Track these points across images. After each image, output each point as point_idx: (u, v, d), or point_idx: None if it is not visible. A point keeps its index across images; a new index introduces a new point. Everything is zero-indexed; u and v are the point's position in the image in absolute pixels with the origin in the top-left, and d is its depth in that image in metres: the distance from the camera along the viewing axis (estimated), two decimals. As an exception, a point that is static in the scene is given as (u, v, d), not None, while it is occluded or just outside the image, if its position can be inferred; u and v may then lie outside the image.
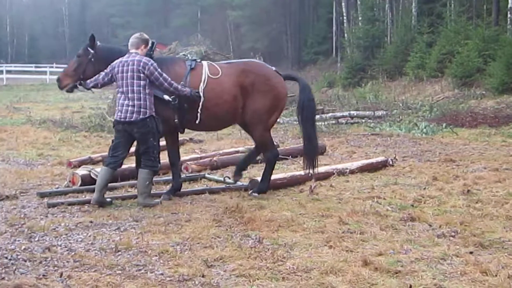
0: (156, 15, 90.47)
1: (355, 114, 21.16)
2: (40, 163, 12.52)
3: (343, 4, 51.14)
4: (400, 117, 20.44)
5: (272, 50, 64.40)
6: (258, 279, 5.62)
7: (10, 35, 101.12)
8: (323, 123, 19.00)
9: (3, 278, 5.59)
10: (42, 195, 9.17)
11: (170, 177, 10.56)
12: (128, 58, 8.70)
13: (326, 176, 10.47)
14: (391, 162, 11.69)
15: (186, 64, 9.28)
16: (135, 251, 6.48)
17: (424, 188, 9.68)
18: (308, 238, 6.96)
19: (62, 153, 13.76)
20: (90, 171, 10.04)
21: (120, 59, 8.78)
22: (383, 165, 11.53)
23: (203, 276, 5.68)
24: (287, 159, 12.46)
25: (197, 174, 10.95)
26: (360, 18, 44.77)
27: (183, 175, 10.78)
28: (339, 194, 9.35)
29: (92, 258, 6.22)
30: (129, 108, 8.55)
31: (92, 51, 9.20)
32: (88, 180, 9.86)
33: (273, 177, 9.96)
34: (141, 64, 8.57)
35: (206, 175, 10.86)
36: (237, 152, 12.90)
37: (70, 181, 9.99)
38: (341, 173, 10.71)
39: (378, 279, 5.60)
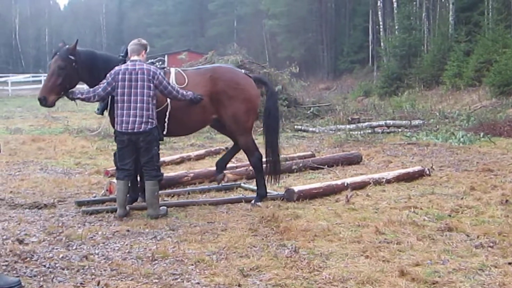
0: (192, 24, 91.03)
1: (391, 123, 21.02)
2: (78, 172, 12.64)
3: (379, 13, 51.04)
4: (437, 126, 20.27)
5: (308, 59, 64.51)
6: (294, 289, 5.62)
7: (48, 45, 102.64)
8: (359, 132, 18.93)
9: (41, 286, 5.66)
10: (80, 204, 9.25)
11: (206, 186, 10.64)
12: (135, 66, 8.43)
13: (362, 185, 10.42)
14: (428, 172, 11.59)
15: None
16: (172, 260, 6.50)
17: (462, 198, 9.58)
18: (344, 248, 6.93)
19: (99, 162, 13.87)
20: (127, 180, 10.12)
21: (121, 66, 8.50)
22: (419, 174, 11.43)
23: (239, 286, 5.68)
24: (323, 168, 12.44)
25: (233, 183, 10.95)
26: (396, 27, 44.61)
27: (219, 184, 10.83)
28: (376, 203, 9.29)
29: (129, 266, 6.25)
30: (137, 118, 8.35)
31: (73, 58, 8.64)
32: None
33: (308, 186, 9.97)
34: (151, 73, 8.42)
35: (242, 184, 10.86)
36: (273, 161, 12.87)
37: (107, 190, 10.07)
38: (378, 182, 10.64)
39: (415, 289, 5.57)
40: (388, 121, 21.41)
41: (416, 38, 42.06)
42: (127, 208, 8.64)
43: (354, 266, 6.26)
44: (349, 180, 10.54)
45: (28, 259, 6.45)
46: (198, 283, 5.79)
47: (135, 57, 8.59)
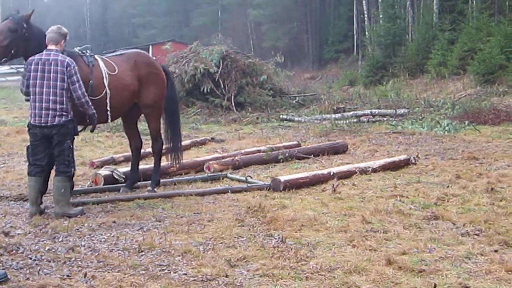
0: (176, 14, 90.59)
1: (376, 113, 21.07)
2: (63, 163, 12.55)
3: (363, 2, 50.97)
4: (422, 115, 20.31)
5: (293, 48, 64.36)
6: (281, 279, 5.62)
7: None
8: (344, 122, 18.93)
9: (27, 279, 5.62)
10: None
11: (192, 177, 10.64)
12: (50, 57, 8.04)
13: (348, 175, 10.44)
14: (413, 161, 11.63)
15: (87, 61, 8.93)
16: (158, 251, 6.49)
17: (448, 186, 9.63)
18: (331, 237, 6.94)
19: (85, 153, 13.79)
20: (112, 171, 10.11)
21: (35, 56, 8.10)
22: (405, 163, 11.47)
23: (226, 276, 5.69)
24: (308, 158, 12.44)
25: (219, 173, 10.94)
26: (381, 16, 44.50)
27: (205, 175, 10.82)
28: (362, 193, 9.32)
29: (116, 258, 6.24)
30: (50, 111, 7.93)
31: (25, 26, 8.40)
32: (111, 180, 9.93)
33: (295, 176, 9.98)
34: (65, 64, 8.00)
35: (228, 175, 10.85)
36: (259, 151, 12.88)
37: (93, 181, 10.04)
38: (364, 171, 10.66)
39: (402, 278, 5.58)
40: (373, 110, 21.46)
41: (401, 27, 42.02)
42: (42, 206, 8.31)
43: (341, 255, 6.28)
44: (335, 169, 10.55)
45: (14, 251, 6.43)
46: (185, 274, 5.79)
47: (52, 47, 8.18)
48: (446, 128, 17.04)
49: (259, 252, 6.39)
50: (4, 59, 8.38)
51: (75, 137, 8.45)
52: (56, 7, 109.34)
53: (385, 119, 20.14)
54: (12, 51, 8.35)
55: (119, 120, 10.82)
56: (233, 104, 22.95)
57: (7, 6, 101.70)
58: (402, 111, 21.20)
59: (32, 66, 8.04)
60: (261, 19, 70.04)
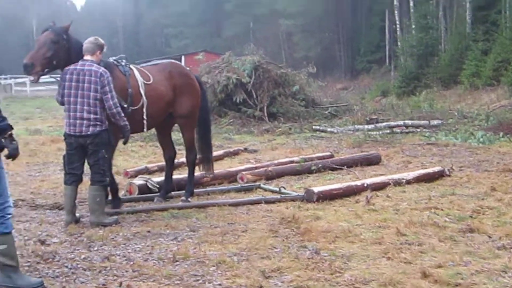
0: (209, 25, 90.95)
1: (410, 123, 20.93)
2: (97, 172, 12.63)
3: (395, 12, 50.72)
4: (456, 126, 20.19)
5: (325, 58, 64.17)
6: (316, 291, 5.61)
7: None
8: (377, 133, 18.87)
9: (63, 287, 5.67)
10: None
11: (226, 187, 10.65)
12: (84, 67, 8.11)
13: (382, 186, 10.38)
14: (448, 172, 11.53)
15: (123, 70, 8.98)
16: (193, 261, 6.51)
17: (483, 199, 9.54)
18: (366, 249, 6.91)
19: (119, 163, 13.85)
20: (146, 181, 10.16)
21: (70, 66, 8.21)
22: (439, 175, 11.38)
23: (260, 287, 5.69)
24: (342, 169, 12.41)
25: (252, 184, 10.93)
26: (413, 26, 44.26)
27: (238, 185, 10.83)
28: (396, 204, 9.26)
29: (151, 267, 6.27)
30: (84, 121, 8.03)
31: (65, 37, 8.47)
32: (145, 190, 9.98)
33: (328, 187, 9.96)
34: (99, 75, 8.03)
35: (261, 185, 10.84)
36: (292, 162, 12.87)
37: (127, 191, 10.10)
38: (397, 183, 10.59)
39: (438, 291, 5.55)
40: (406, 121, 21.34)
41: (433, 37, 41.76)
42: (77, 215, 8.35)
43: (375, 267, 6.25)
44: (368, 180, 10.51)
45: (50, 259, 6.50)
46: (219, 284, 5.80)
47: (88, 57, 8.26)
48: (481, 139, 16.90)
49: (293, 263, 6.38)
50: (47, 70, 8.43)
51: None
52: (89, 17, 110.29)
53: (418, 130, 20.01)
54: (55, 62, 8.41)
55: (153, 130, 10.89)
56: (265, 114, 22.99)
57: (41, 16, 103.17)
58: (435, 122, 21.07)
59: (67, 76, 8.13)
60: (293, 29, 70.05)
